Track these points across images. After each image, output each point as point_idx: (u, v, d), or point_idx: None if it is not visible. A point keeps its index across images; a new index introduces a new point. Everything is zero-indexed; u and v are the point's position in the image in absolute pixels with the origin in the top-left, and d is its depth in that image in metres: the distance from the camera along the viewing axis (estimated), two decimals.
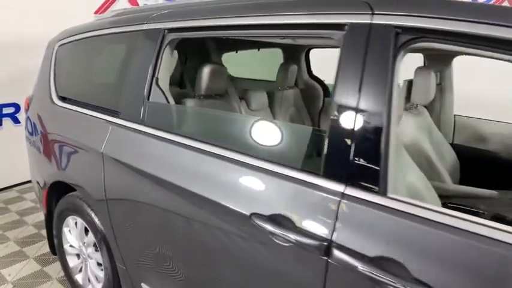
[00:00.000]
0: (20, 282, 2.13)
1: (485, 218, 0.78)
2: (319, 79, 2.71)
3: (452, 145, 2.20)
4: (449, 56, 2.11)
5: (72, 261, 1.98)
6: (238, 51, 2.84)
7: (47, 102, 1.99)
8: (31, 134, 2.14)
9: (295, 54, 2.66)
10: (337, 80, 0.98)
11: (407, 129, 1.79)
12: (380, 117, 0.91)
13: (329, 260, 0.90)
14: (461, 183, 2.01)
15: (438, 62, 2.13)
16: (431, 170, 1.75)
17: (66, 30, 2.06)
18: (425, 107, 2.20)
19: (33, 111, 2.13)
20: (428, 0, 0.95)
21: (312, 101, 2.64)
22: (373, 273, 0.83)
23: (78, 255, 1.95)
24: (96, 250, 1.76)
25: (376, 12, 0.96)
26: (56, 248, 2.08)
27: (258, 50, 2.75)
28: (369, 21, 0.96)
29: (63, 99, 1.93)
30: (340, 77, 0.98)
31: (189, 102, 1.71)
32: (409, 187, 1.38)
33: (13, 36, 3.15)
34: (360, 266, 0.85)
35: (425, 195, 1.40)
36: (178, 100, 1.73)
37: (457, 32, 0.86)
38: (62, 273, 2.13)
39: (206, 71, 1.66)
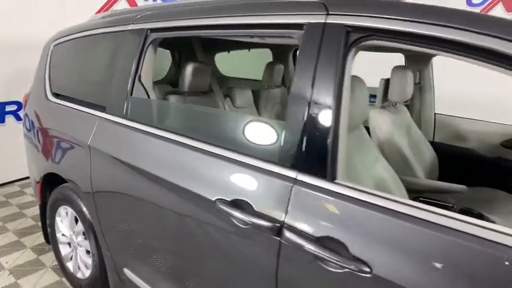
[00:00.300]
0: (16, 269, 2.24)
1: (451, 210, 0.83)
2: None
3: (433, 143, 2.26)
4: (428, 56, 2.18)
5: (64, 250, 2.08)
6: (231, 52, 2.94)
7: (42, 98, 2.10)
8: (28, 130, 2.25)
9: (283, 55, 2.73)
10: (295, 76, 1.06)
11: (382, 126, 1.86)
12: (329, 110, 0.98)
13: (281, 240, 0.98)
14: (440, 179, 2.07)
15: (417, 61, 2.20)
16: (405, 165, 1.82)
17: (61, 30, 2.16)
18: (406, 105, 2.27)
19: (30, 108, 2.24)
20: (377, 1, 1.03)
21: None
22: (318, 252, 0.90)
23: (69, 244, 2.04)
24: (85, 238, 1.86)
25: (330, 12, 1.04)
26: (50, 237, 2.18)
27: (249, 50, 2.83)
28: (324, 21, 1.04)
29: (56, 95, 2.03)
30: (297, 72, 1.06)
31: (173, 99, 1.80)
32: (376, 177, 1.45)
33: (16, 37, 3.28)
34: (306, 245, 0.92)
35: (391, 186, 1.47)
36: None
37: (401, 31, 0.93)
38: (56, 262, 2.23)
39: (189, 69, 1.75)
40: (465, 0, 4.38)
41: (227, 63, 3.23)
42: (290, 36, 1.12)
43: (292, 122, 1.03)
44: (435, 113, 2.29)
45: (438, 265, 0.79)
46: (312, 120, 1.00)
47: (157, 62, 2.41)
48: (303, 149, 1.00)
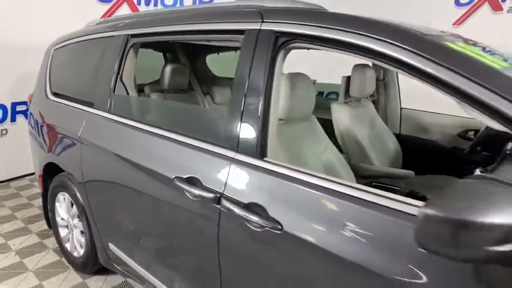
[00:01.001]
0: (21, 250, 2.50)
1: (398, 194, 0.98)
2: None
3: (399, 135, 2.43)
4: None
5: (62, 232, 2.33)
6: (220, 54, 3.16)
7: (43, 97, 2.36)
8: (32, 127, 2.52)
9: None
10: (235, 73, 1.28)
11: (342, 119, 2.05)
12: (261, 101, 1.19)
13: (221, 208, 1.19)
14: (404, 167, 2.24)
15: None
16: (362, 154, 2.00)
17: (61, 36, 2.43)
18: (373, 101, 2.45)
19: (34, 106, 2.51)
20: (300, 11, 1.23)
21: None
22: (245, 215, 1.11)
23: (67, 226, 2.30)
24: (80, 220, 2.11)
25: (264, 20, 1.25)
26: (51, 221, 2.45)
27: (235, 51, 3.04)
28: (259, 28, 1.25)
29: (55, 94, 2.29)
30: (237, 70, 1.27)
31: (154, 96, 2.03)
32: (325, 163, 1.65)
33: (25, 42, 3.57)
34: (237, 210, 1.13)
35: (339, 170, 1.67)
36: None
37: (317, 35, 1.13)
38: (57, 245, 2.49)
39: (168, 69, 1.99)
40: (453, 1, 4.51)
41: (219, 64, 3.46)
42: (236, 40, 1.33)
43: (232, 111, 1.25)
44: (401, 108, 2.46)
45: (333, 223, 0.99)
46: (247, 110, 1.21)
47: (155, 64, 2.66)
48: (240, 133, 1.21)
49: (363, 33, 1.02)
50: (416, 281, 0.81)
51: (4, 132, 3.76)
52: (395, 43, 0.95)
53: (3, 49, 3.51)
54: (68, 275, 2.23)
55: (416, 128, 2.40)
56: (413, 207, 0.84)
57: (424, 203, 0.70)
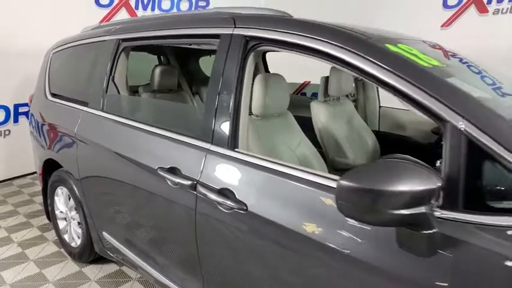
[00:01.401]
0: (23, 242, 2.66)
1: None
2: None
3: (378, 132, 2.57)
4: None
5: (61, 224, 2.49)
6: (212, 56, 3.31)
7: (42, 98, 2.52)
8: (33, 127, 2.67)
9: None
10: (211, 74, 1.42)
11: (320, 116, 2.19)
12: (231, 99, 1.33)
13: (197, 194, 1.34)
14: None
15: None
16: (338, 149, 2.14)
17: (59, 40, 2.59)
18: (354, 101, 2.59)
19: (34, 107, 2.67)
20: (267, 17, 1.38)
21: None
22: (217, 199, 1.26)
23: (65, 219, 2.45)
24: (77, 212, 2.26)
25: (236, 26, 1.40)
26: (50, 215, 2.60)
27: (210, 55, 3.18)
28: (232, 32, 1.39)
29: (54, 95, 2.45)
30: (212, 71, 1.42)
31: (145, 95, 2.18)
32: (299, 155, 1.79)
33: (27, 46, 3.74)
34: (210, 195, 1.28)
35: (313, 162, 1.81)
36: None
37: (281, 40, 1.28)
38: (57, 237, 2.64)
39: (157, 71, 2.14)
40: (441, 3, 4.64)
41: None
42: (213, 44, 1.48)
43: (208, 108, 1.39)
44: (380, 106, 2.60)
45: (287, 202, 1.13)
46: (221, 107, 1.35)
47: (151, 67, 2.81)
48: (214, 127, 1.36)
49: (315, 37, 1.16)
50: (346, 247, 0.96)
51: (7, 132, 3.93)
52: (341, 45, 1.09)
53: (6, 53, 3.68)
54: (66, 264, 2.38)
55: (394, 125, 2.53)
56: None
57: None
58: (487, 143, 0.84)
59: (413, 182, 0.77)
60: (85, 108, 2.05)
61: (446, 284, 0.83)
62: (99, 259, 2.34)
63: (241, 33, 1.37)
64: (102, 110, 1.93)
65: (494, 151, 0.83)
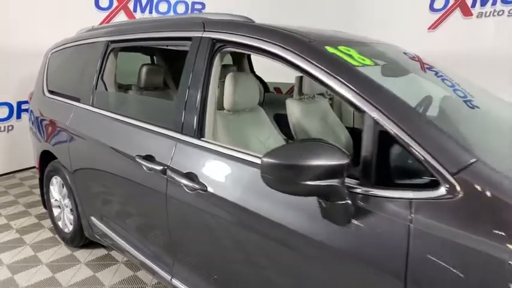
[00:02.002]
0: (21, 229, 2.85)
1: None
2: (260, 78, 3.30)
3: (353, 129, 2.72)
4: None
5: (55, 212, 2.68)
6: None
7: (40, 94, 2.72)
8: (32, 123, 2.87)
9: (240, 58, 3.27)
10: (183, 72, 1.60)
11: (294, 113, 2.36)
12: (199, 94, 1.51)
13: (167, 178, 1.51)
14: (354, 157, 2.53)
15: None
16: None
17: (57, 41, 2.78)
18: (331, 99, 2.76)
19: (33, 103, 2.87)
20: (231, 22, 1.55)
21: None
22: (182, 182, 1.43)
23: (59, 207, 2.64)
24: (69, 200, 2.44)
25: (205, 29, 1.57)
26: (46, 203, 2.79)
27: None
28: (201, 35, 1.57)
29: (51, 92, 2.64)
30: (184, 70, 1.59)
31: (131, 92, 2.37)
32: (268, 148, 1.96)
33: (30, 47, 3.93)
34: (177, 178, 1.45)
35: None
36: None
37: (241, 42, 1.45)
38: (52, 225, 2.83)
39: (143, 70, 2.32)
40: (428, 6, 4.78)
41: None
42: (186, 45, 1.66)
43: (179, 102, 1.57)
44: None
45: (239, 183, 1.30)
46: (190, 101, 1.53)
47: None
48: (184, 119, 1.53)
49: (267, 40, 1.34)
50: (281, 218, 1.14)
51: (10, 128, 4.14)
52: (286, 47, 1.26)
53: (10, 53, 3.89)
54: (59, 249, 2.57)
55: None
56: None
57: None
58: (394, 131, 1.00)
59: (324, 159, 0.94)
60: (77, 104, 2.24)
61: (359, 249, 1.00)
62: (90, 244, 2.52)
63: (209, 36, 1.54)
64: (92, 105, 2.12)
65: (400, 138, 0.99)
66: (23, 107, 4.19)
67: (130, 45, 2.06)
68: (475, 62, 4.31)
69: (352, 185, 1.03)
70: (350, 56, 1.26)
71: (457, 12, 4.57)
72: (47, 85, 2.71)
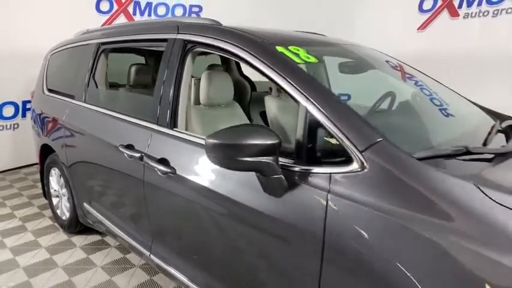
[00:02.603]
0: (24, 217, 3.08)
1: None
2: (248, 77, 3.48)
3: None
4: None
5: (54, 201, 2.90)
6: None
7: (41, 93, 2.95)
8: (34, 120, 3.09)
9: (228, 59, 3.46)
10: (159, 70, 1.79)
11: (272, 109, 2.53)
12: (171, 89, 1.70)
13: (144, 163, 1.71)
14: None
15: None
16: (286, 137, 2.48)
17: (57, 43, 3.01)
18: None
19: (34, 101, 3.10)
20: (201, 25, 1.74)
21: (242, 95, 3.41)
22: (155, 167, 1.62)
23: (57, 196, 2.86)
24: (66, 189, 2.66)
25: (179, 32, 1.77)
26: (46, 193, 3.02)
27: (206, 55, 3.56)
28: (175, 37, 1.77)
29: (50, 90, 2.87)
30: (159, 68, 1.79)
31: (121, 90, 2.57)
32: None
33: (34, 49, 4.16)
34: (152, 163, 1.65)
35: None
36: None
37: (208, 43, 1.63)
38: (52, 214, 3.05)
39: (132, 69, 2.52)
40: (417, 7, 4.92)
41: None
42: (163, 46, 1.85)
43: (155, 97, 1.77)
44: None
45: (201, 165, 1.49)
46: (164, 96, 1.72)
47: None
48: (159, 112, 1.73)
49: (227, 40, 1.52)
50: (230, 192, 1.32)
51: (16, 126, 4.40)
52: (242, 47, 1.45)
53: (15, 56, 4.13)
54: (57, 235, 2.79)
55: None
56: None
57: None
58: (320, 117, 1.18)
59: (259, 139, 1.12)
60: (72, 101, 2.45)
61: (291, 216, 1.18)
62: (85, 230, 2.74)
63: (182, 38, 1.74)
64: (84, 102, 2.33)
65: (325, 123, 1.17)
66: (28, 106, 4.43)
67: (118, 46, 2.27)
68: (461, 62, 4.44)
69: (286, 163, 1.21)
70: (297, 55, 1.44)
71: (445, 13, 4.70)
72: (46, 84, 2.94)
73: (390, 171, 1.03)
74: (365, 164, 1.06)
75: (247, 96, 3.47)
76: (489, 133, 1.43)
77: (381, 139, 1.08)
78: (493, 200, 0.90)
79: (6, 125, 4.34)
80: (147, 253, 1.86)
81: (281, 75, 1.31)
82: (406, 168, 1.02)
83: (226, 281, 1.52)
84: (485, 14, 4.33)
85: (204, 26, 1.72)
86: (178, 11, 5.53)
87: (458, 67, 4.47)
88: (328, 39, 2.04)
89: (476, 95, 4.23)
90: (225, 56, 1.59)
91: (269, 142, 1.13)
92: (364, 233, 1.02)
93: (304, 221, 1.14)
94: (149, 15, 5.33)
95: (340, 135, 1.12)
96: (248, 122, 2.24)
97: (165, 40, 1.83)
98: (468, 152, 1.16)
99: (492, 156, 1.18)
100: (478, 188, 0.93)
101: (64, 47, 2.83)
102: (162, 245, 1.80)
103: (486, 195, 0.91)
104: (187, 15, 5.57)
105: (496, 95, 4.15)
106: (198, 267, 1.63)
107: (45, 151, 2.86)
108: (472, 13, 4.46)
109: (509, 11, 4.12)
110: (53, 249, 2.58)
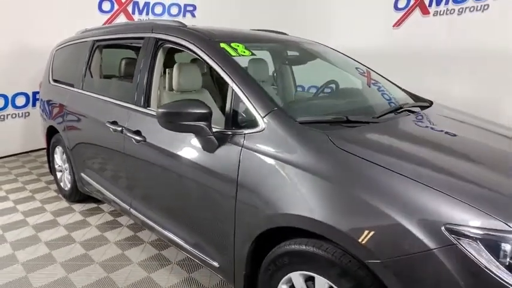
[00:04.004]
0: (33, 190, 3.60)
1: None
2: None
3: None
4: None
5: (58, 175, 3.41)
6: None
7: (47, 83, 3.45)
8: (42, 108, 3.59)
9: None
10: (137, 63, 2.26)
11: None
12: (145, 77, 2.16)
13: (124, 135, 2.18)
14: None
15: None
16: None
17: (61, 40, 3.50)
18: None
19: (42, 90, 3.60)
20: (169, 26, 2.19)
21: (222, 84, 3.86)
22: (132, 137, 2.09)
23: (61, 171, 3.36)
24: (68, 164, 3.16)
25: (153, 31, 2.23)
26: (52, 169, 3.53)
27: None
28: (149, 35, 2.23)
29: (55, 80, 3.36)
30: (137, 61, 2.26)
31: (111, 80, 3.05)
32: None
33: (43, 46, 4.67)
34: (129, 134, 2.12)
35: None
36: None
37: (172, 40, 2.09)
38: (56, 187, 3.56)
39: (122, 62, 3.00)
40: (393, 5, 5.29)
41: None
42: (140, 44, 2.31)
43: (134, 83, 2.24)
44: (296, 91, 3.36)
45: (165, 135, 1.94)
46: (140, 82, 2.19)
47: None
48: (136, 95, 2.20)
49: (183, 37, 1.98)
50: (181, 152, 1.79)
51: (27, 114, 4.92)
52: (195, 44, 1.90)
53: (27, 51, 4.64)
54: (60, 203, 3.30)
55: None
56: None
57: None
58: (239, 93, 1.63)
59: (194, 109, 1.57)
60: (71, 88, 2.94)
61: (218, 166, 1.63)
62: (85, 199, 3.23)
63: (154, 36, 2.20)
64: (82, 89, 2.82)
65: (242, 97, 1.62)
66: (37, 96, 4.95)
67: (109, 43, 2.75)
68: (432, 56, 4.82)
69: (218, 128, 1.67)
70: (235, 49, 1.89)
71: (417, 11, 5.07)
72: (52, 75, 3.44)
73: (278, 129, 1.48)
74: (264, 126, 1.51)
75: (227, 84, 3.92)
76: (392, 111, 1.87)
77: (275, 108, 1.54)
78: (335, 145, 1.35)
79: (19, 113, 4.87)
80: (128, 208, 2.34)
81: (218, 64, 1.76)
82: (289, 127, 1.47)
83: (179, 218, 1.98)
84: (452, 12, 4.70)
85: (171, 26, 2.18)
86: (174, 10, 5.99)
87: (430, 61, 4.85)
88: (278, 37, 2.49)
89: (444, 84, 4.64)
90: (184, 50, 2.04)
91: (202, 111, 1.58)
92: (260, 171, 1.47)
93: (227, 167, 1.59)
94: (147, 14, 5.80)
95: (251, 106, 1.57)
96: (215, 105, 2.69)
97: (142, 38, 2.29)
98: (348, 121, 1.60)
99: (365, 123, 1.62)
100: (328, 137, 1.38)
101: (67, 44, 3.32)
102: (138, 200, 2.28)
103: (332, 142, 1.36)
104: (182, 13, 6.03)
105: (461, 85, 4.54)
106: (165, 214, 2.10)
107: (51, 132, 3.37)
108: (440, 11, 4.82)
109: (472, 9, 4.48)
110: (56, 213, 3.09)
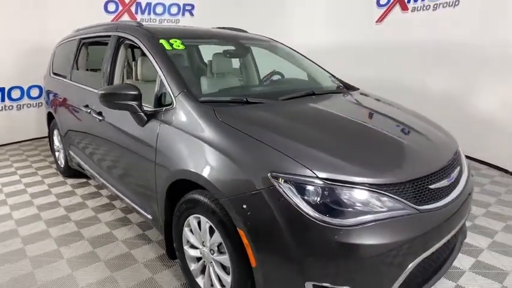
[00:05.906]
0: (38, 167, 4.20)
1: None
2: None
3: None
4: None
5: (57, 154, 3.98)
6: None
7: (48, 76, 4.03)
8: (44, 96, 4.18)
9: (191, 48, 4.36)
10: (104, 56, 2.74)
11: None
12: (108, 70, 2.63)
13: (92, 115, 2.67)
14: None
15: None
16: None
17: (62, 38, 4.06)
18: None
19: (45, 82, 4.19)
20: (127, 26, 2.64)
21: None
22: (96, 117, 2.57)
23: (58, 151, 3.93)
24: (61, 143, 3.71)
25: (118, 30, 2.69)
26: (52, 149, 4.12)
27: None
28: (114, 34, 2.70)
29: (54, 73, 3.93)
30: (105, 55, 2.73)
31: (91, 71, 3.56)
32: None
33: (54, 43, 5.30)
34: (94, 114, 2.60)
35: None
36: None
37: (125, 37, 2.55)
38: (56, 165, 4.14)
39: (98, 57, 3.50)
40: (375, 1, 5.52)
41: None
42: (108, 40, 2.79)
43: (102, 74, 2.71)
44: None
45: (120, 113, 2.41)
46: (105, 73, 2.66)
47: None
48: (102, 83, 2.67)
49: (132, 34, 2.43)
50: (126, 127, 2.25)
51: (40, 104, 5.58)
52: (140, 40, 2.34)
53: (41, 48, 5.27)
54: (56, 178, 3.87)
55: None
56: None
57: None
58: (164, 80, 2.06)
59: (126, 91, 2.01)
60: (64, 79, 3.49)
61: (147, 138, 2.07)
62: (78, 176, 3.78)
63: (117, 34, 2.67)
64: (70, 80, 3.35)
65: (164, 83, 2.04)
66: None
67: (90, 41, 3.26)
68: (410, 49, 5.04)
69: (148, 107, 2.10)
70: (171, 44, 2.32)
71: (397, 7, 5.28)
72: (52, 69, 4.01)
73: (184, 106, 1.90)
74: (176, 104, 1.93)
75: None
76: (308, 94, 2.26)
77: (185, 90, 1.96)
78: (218, 118, 1.75)
79: (33, 104, 5.54)
80: (95, 174, 2.84)
81: (153, 56, 2.20)
82: (191, 104, 1.89)
83: (125, 180, 2.45)
84: (428, 8, 4.89)
85: (129, 26, 2.64)
86: (174, 10, 6.48)
87: (409, 54, 5.07)
88: (221, 33, 2.92)
89: (421, 75, 4.88)
90: (135, 45, 2.49)
91: (132, 93, 2.02)
92: (170, 139, 1.90)
93: (150, 137, 2.03)
94: (149, 14, 6.33)
95: (169, 89, 2.00)
96: None
97: (109, 36, 2.77)
98: (247, 102, 2.00)
99: (261, 104, 2.01)
100: (214, 112, 1.79)
101: (65, 41, 3.87)
102: (101, 167, 2.77)
103: (216, 116, 1.76)
104: (181, 13, 6.51)
105: (437, 76, 4.75)
106: (116, 177, 2.57)
107: (50, 118, 3.94)
108: (418, 7, 5.02)
109: (445, 5, 4.66)
110: (52, 184, 3.66)
